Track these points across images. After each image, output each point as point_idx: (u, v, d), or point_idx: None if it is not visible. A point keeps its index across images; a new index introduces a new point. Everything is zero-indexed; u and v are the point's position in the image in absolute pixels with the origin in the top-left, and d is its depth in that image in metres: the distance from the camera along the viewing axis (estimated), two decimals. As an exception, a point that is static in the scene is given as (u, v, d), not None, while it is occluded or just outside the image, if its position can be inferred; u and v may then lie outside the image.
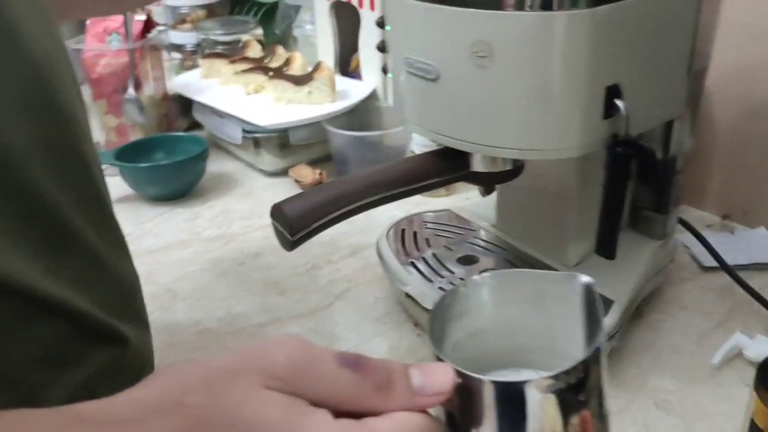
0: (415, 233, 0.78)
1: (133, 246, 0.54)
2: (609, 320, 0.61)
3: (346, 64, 1.22)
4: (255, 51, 1.27)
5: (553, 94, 0.52)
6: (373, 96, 1.11)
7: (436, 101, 0.57)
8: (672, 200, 0.71)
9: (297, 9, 1.36)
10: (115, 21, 1.12)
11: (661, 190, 0.70)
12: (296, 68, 1.12)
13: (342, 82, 1.13)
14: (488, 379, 0.33)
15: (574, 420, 0.34)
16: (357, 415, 0.33)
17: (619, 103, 0.53)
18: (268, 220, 0.56)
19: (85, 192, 0.48)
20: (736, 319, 0.71)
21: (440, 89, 0.55)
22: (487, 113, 0.54)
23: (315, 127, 1.05)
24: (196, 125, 1.24)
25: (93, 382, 0.46)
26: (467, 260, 0.72)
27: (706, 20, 0.60)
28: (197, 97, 1.16)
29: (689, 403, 0.61)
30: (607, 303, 0.63)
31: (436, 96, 0.56)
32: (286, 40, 1.42)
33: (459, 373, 0.34)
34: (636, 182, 0.67)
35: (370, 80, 1.14)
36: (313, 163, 1.07)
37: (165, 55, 1.34)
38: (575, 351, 0.36)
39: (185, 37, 1.42)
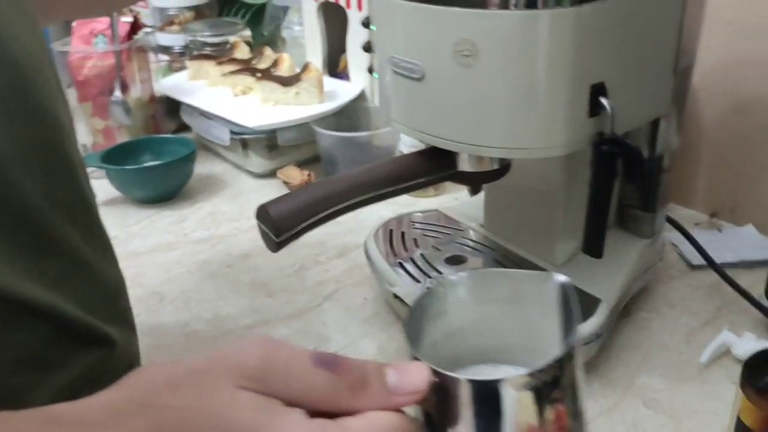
0: (403, 233, 0.78)
1: (120, 249, 0.53)
2: (596, 319, 0.61)
3: (335, 65, 1.22)
4: (243, 52, 1.27)
5: (538, 92, 0.51)
6: (361, 97, 1.11)
7: (422, 101, 0.56)
8: (659, 199, 0.71)
9: (285, 10, 1.35)
10: (102, 23, 1.12)
11: (648, 188, 0.70)
12: (284, 69, 1.12)
13: (330, 82, 1.13)
14: (463, 377, 0.34)
15: (550, 417, 0.34)
16: (333, 414, 0.33)
17: (604, 101, 0.52)
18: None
19: (69, 194, 0.48)
20: (724, 318, 0.71)
21: (425, 89, 0.55)
22: (473, 112, 0.54)
23: (303, 128, 1.04)
24: (184, 127, 1.23)
25: (78, 384, 0.46)
26: (455, 260, 0.72)
27: (691, 17, 0.60)
28: (185, 99, 1.16)
29: (677, 402, 0.61)
30: (595, 302, 0.63)
31: (422, 95, 0.56)
32: (274, 41, 1.41)
33: (435, 372, 0.34)
34: (623, 181, 0.67)
35: (358, 81, 1.14)
36: (302, 164, 1.07)
37: (152, 57, 1.33)
38: (552, 349, 0.36)
39: (173, 38, 1.41)
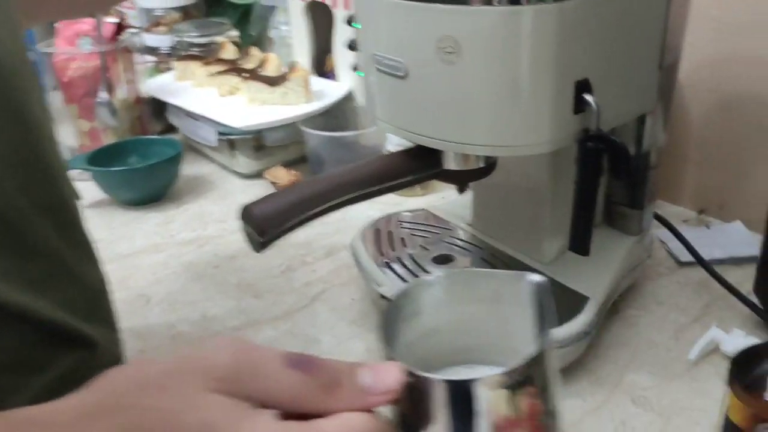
0: (390, 233, 0.77)
1: (107, 251, 0.53)
2: (584, 317, 0.61)
3: (322, 65, 1.21)
4: (229, 53, 1.26)
5: (522, 89, 0.51)
6: (349, 96, 1.10)
7: (406, 99, 0.56)
8: (647, 196, 0.71)
9: (272, 10, 1.35)
10: (86, 24, 1.11)
11: (636, 185, 0.70)
12: (271, 69, 1.11)
13: (318, 82, 1.12)
14: (437, 377, 0.34)
15: (524, 416, 0.34)
16: (306, 416, 0.33)
17: (588, 97, 0.52)
18: (244, 222, 0.56)
19: (48, 196, 0.47)
20: (712, 314, 0.71)
21: (409, 86, 0.55)
22: (457, 110, 0.53)
23: (290, 128, 1.04)
24: (170, 128, 1.22)
25: (61, 386, 0.45)
26: (443, 260, 0.72)
27: (676, 13, 0.59)
28: (171, 100, 1.15)
29: (666, 399, 0.60)
30: (583, 300, 0.63)
31: (406, 93, 0.56)
32: (262, 41, 1.41)
33: (408, 372, 0.34)
34: (610, 178, 0.67)
35: (345, 80, 1.13)
36: (289, 164, 1.06)
37: (139, 58, 1.33)
38: (528, 349, 0.36)
39: (160, 39, 1.40)
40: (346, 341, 0.70)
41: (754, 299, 0.69)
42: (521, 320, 0.40)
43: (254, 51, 1.23)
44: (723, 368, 0.62)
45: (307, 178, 1.02)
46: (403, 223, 0.79)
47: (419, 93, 0.55)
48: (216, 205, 1.01)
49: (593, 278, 0.66)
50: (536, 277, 0.40)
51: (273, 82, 1.07)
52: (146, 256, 0.88)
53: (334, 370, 0.34)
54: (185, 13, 1.47)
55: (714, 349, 0.65)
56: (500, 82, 0.51)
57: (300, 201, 0.55)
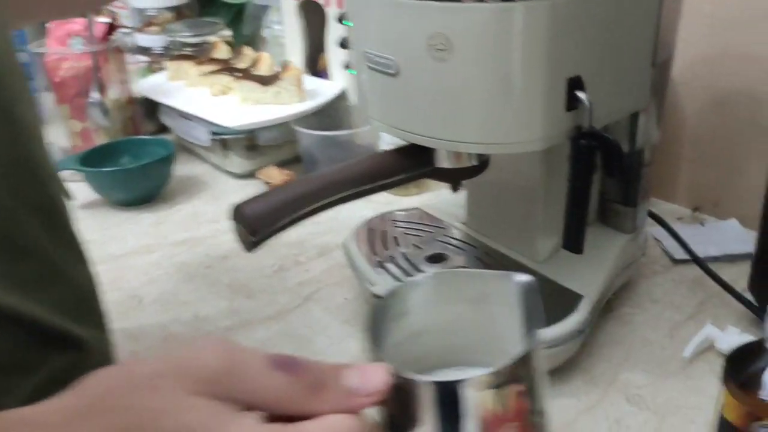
0: (384, 232, 0.77)
1: (99, 251, 0.53)
2: (578, 315, 0.61)
3: (315, 64, 1.21)
4: (222, 52, 1.26)
5: (514, 86, 0.51)
6: (342, 95, 1.10)
7: (398, 96, 0.56)
8: (640, 193, 0.70)
9: (265, 9, 1.34)
10: (78, 24, 1.10)
11: (629, 182, 0.70)
12: (264, 69, 1.11)
13: (311, 81, 1.12)
14: (423, 378, 0.33)
15: (511, 417, 0.34)
16: (292, 418, 0.32)
17: (581, 95, 0.52)
18: (236, 223, 0.55)
19: (36, 197, 0.47)
20: (707, 312, 0.71)
21: (401, 84, 0.54)
22: (448, 107, 0.53)
23: (283, 127, 1.03)
24: (163, 128, 1.22)
25: (51, 386, 0.45)
26: (437, 259, 0.71)
27: (668, 9, 0.59)
28: (164, 100, 1.15)
29: (661, 397, 0.60)
30: (577, 298, 0.62)
31: (397, 91, 0.55)
32: (255, 40, 1.40)
33: (395, 374, 0.34)
34: (603, 175, 0.67)
35: (338, 79, 1.13)
36: (282, 164, 1.06)
37: (131, 57, 1.32)
38: (515, 349, 0.35)
39: (153, 39, 1.40)
40: (340, 341, 0.70)
41: (749, 296, 0.69)
42: (509, 320, 0.40)
43: (247, 50, 1.23)
44: (718, 366, 0.63)
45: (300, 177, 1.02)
46: (397, 222, 0.79)
47: (411, 90, 0.54)
48: (209, 206, 1.00)
49: (587, 276, 0.65)
50: (523, 277, 0.40)
51: (266, 81, 1.06)
52: (139, 257, 0.87)
53: (320, 372, 0.33)
54: (178, 12, 1.46)
55: (709, 347, 0.65)
56: (492, 80, 0.51)
57: (292, 200, 0.55)
